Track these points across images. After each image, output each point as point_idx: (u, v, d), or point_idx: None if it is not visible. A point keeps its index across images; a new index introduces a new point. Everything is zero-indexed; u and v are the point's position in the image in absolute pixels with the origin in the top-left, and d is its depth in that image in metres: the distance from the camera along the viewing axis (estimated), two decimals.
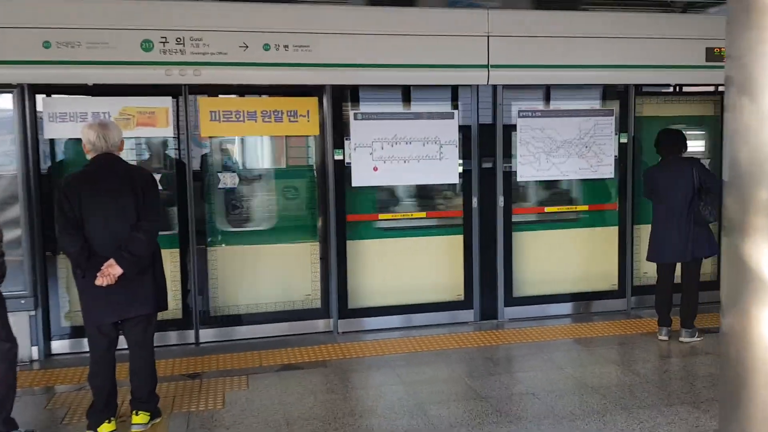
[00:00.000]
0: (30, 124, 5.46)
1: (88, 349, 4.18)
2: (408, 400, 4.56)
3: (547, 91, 6.48)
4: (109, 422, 4.05)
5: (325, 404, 4.52)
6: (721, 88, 6.85)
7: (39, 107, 5.50)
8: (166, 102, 5.72)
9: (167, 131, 5.75)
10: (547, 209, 6.68)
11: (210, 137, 5.92)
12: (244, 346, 5.79)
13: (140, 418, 4.16)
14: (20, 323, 5.25)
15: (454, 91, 6.30)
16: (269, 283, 6.13)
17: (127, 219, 4.00)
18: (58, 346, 5.68)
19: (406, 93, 6.23)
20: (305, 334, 6.08)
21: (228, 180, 5.97)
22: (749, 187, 2.58)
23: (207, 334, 5.94)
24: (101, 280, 3.87)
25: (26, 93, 5.42)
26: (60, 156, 5.68)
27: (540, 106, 6.47)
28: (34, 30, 5.32)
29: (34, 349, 5.56)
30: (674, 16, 6.70)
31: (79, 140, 4.31)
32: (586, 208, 6.72)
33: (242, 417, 4.34)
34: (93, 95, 5.60)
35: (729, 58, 2.72)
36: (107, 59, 5.46)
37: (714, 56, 6.56)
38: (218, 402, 4.59)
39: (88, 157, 4.14)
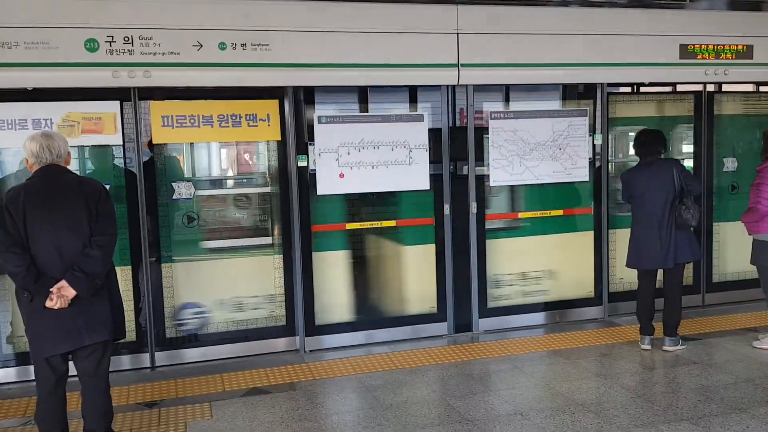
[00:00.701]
0: None
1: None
2: (389, 427, 4.20)
3: (520, 91, 6.22)
4: None
5: None
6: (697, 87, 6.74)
7: None
8: (114, 107, 5.27)
9: (115, 138, 5.29)
10: (521, 215, 6.41)
11: (163, 144, 5.47)
12: (204, 369, 5.36)
13: None
14: None
15: (423, 92, 5.98)
16: (229, 299, 5.72)
17: (80, 235, 3.59)
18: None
19: (373, 94, 5.89)
20: (270, 354, 5.68)
21: (183, 190, 5.53)
22: None
23: (163, 357, 5.50)
24: (52, 303, 3.45)
25: None
26: None
27: (513, 107, 6.21)
28: None
29: None
30: (647, 12, 6.48)
31: (18, 150, 3.87)
32: (560, 212, 6.46)
33: None
34: (33, 101, 5.12)
35: None
36: (48, 61, 4.98)
37: (687, 53, 6.41)
38: None
39: (32, 171, 3.71)
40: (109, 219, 3.73)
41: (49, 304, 3.48)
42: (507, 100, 6.26)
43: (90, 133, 5.24)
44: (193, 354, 5.58)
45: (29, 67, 4.95)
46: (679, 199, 5.43)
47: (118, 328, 3.81)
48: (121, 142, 5.31)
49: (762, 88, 7.01)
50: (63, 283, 3.51)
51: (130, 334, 5.32)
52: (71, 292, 3.51)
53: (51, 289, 3.50)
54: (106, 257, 3.66)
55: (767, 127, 6.28)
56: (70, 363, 3.74)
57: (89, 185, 3.76)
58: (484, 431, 4.07)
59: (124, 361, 5.41)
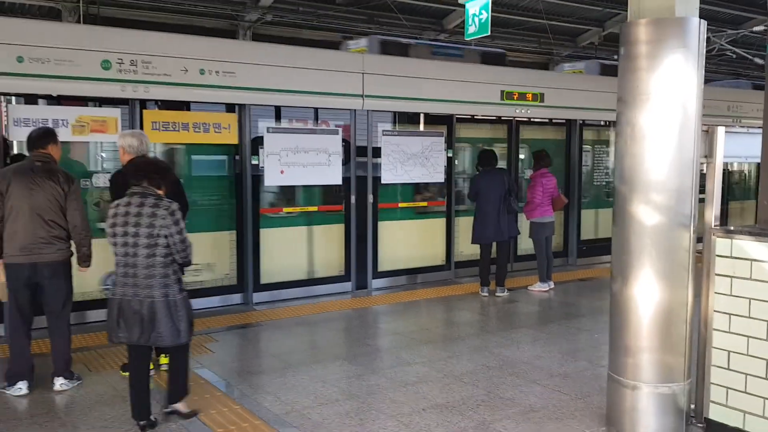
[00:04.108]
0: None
1: None
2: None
3: (402, 116, 8.68)
4: None
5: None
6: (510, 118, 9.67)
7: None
8: (116, 113, 6.77)
9: (115, 137, 6.77)
10: (400, 205, 8.87)
11: (154, 143, 7.05)
12: None
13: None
14: None
15: (339, 113, 8.16)
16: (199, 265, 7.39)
17: None
18: None
19: (306, 113, 7.96)
20: (226, 306, 7.49)
21: None
22: None
23: None
24: None
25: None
26: None
27: (397, 127, 8.64)
28: (9, 46, 6.10)
29: None
30: (481, 66, 9.30)
31: None
32: (425, 204, 9.03)
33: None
34: (53, 105, 6.48)
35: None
36: (72, 74, 6.40)
37: (506, 95, 9.29)
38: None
39: (125, 159, 5.31)
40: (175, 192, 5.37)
41: None
42: (393, 122, 8.66)
43: (97, 132, 6.70)
44: None
45: (57, 78, 6.35)
46: (507, 194, 8.20)
47: None
48: None
49: (555, 121, 10.20)
50: None
51: None
52: None
53: None
54: None
55: (547, 147, 9.33)
56: None
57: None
58: (374, 345, 6.31)
59: None
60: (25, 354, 4.85)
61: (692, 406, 4.26)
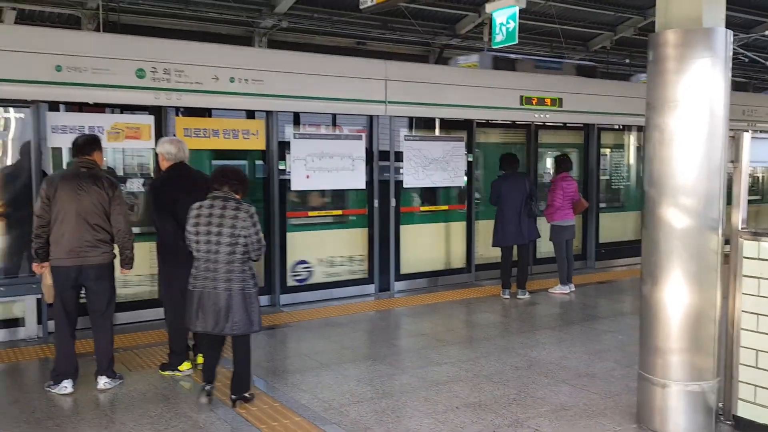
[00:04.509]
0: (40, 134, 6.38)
1: None
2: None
3: (425, 122, 8.84)
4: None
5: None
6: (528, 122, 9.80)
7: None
8: (150, 120, 6.95)
9: (149, 144, 6.97)
10: (421, 208, 9.02)
11: None
12: None
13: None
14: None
15: (363, 119, 8.32)
16: None
17: None
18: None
19: (331, 119, 8.13)
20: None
21: None
22: None
23: None
24: None
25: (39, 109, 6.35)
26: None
27: (419, 132, 8.80)
28: (49, 56, 6.30)
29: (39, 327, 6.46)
30: (501, 72, 9.45)
31: None
32: (446, 207, 9.18)
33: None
34: (90, 112, 6.67)
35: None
36: (108, 83, 6.59)
37: (525, 101, 9.43)
38: None
39: (164, 165, 5.49)
40: None
41: None
42: (414, 127, 8.81)
43: (131, 138, 6.89)
44: None
45: (94, 87, 6.54)
46: (528, 198, 8.34)
47: None
48: (154, 147, 6.99)
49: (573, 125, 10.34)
50: None
51: None
52: None
53: None
54: None
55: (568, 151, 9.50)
56: None
57: (204, 176, 5.62)
58: (401, 346, 6.48)
59: None
60: (70, 354, 5.02)
61: (720, 405, 4.39)
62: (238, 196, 4.67)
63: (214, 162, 7.56)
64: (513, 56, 9.66)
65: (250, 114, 7.59)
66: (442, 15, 13.97)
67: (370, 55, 13.14)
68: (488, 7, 6.86)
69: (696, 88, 4.08)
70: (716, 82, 4.08)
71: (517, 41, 7.02)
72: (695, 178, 4.14)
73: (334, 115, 8.15)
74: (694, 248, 4.18)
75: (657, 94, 4.22)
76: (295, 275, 7.97)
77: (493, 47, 7.43)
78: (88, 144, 5.12)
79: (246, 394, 4.77)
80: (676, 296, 4.20)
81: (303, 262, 8.02)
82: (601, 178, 10.71)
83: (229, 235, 4.51)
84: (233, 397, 4.72)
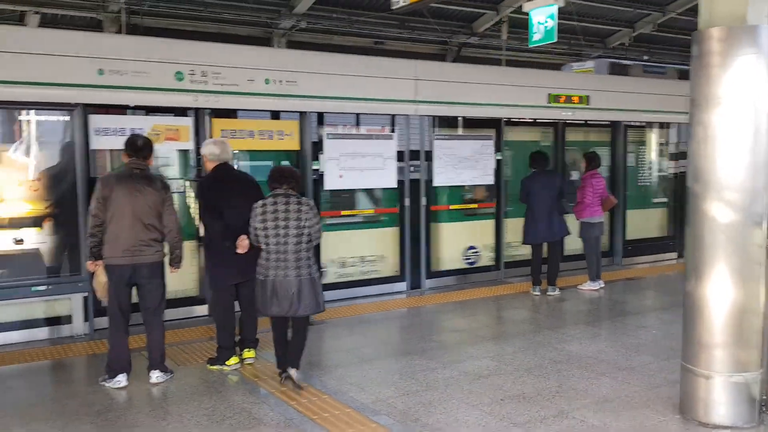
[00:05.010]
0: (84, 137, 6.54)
1: None
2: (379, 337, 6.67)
3: (454, 120, 8.94)
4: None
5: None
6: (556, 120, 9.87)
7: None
8: (188, 121, 7.10)
9: (188, 145, 7.12)
10: (451, 207, 9.12)
11: None
12: None
13: (251, 353, 5.73)
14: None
15: (394, 118, 8.43)
16: None
17: (246, 209, 5.44)
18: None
19: (362, 119, 8.24)
20: None
21: None
22: None
23: None
24: (240, 249, 5.40)
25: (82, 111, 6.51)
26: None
27: (449, 131, 8.90)
28: (92, 59, 6.45)
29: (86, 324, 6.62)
30: (528, 70, 9.54)
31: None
32: (476, 206, 9.28)
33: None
34: (129, 114, 6.83)
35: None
36: (148, 86, 6.74)
37: (553, 98, 9.51)
38: None
39: (209, 167, 5.62)
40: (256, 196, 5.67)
41: (239, 250, 5.43)
42: (445, 126, 8.92)
43: (170, 140, 7.04)
44: None
45: (134, 90, 6.69)
46: (558, 195, 8.41)
47: None
48: (193, 148, 7.14)
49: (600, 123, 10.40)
50: (243, 236, 5.41)
51: None
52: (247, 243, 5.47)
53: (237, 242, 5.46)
54: None
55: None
56: None
57: (248, 176, 5.76)
58: (439, 341, 6.63)
59: None
60: (124, 349, 5.17)
61: (764, 396, 4.46)
62: (295, 193, 5.13)
63: (249, 163, 7.75)
64: (626, 62, 9.92)
65: (285, 115, 7.72)
66: (460, 13, 14.08)
67: (388, 54, 13.26)
68: (526, 6, 6.95)
69: (740, 85, 4.16)
70: (760, 78, 4.16)
71: (555, 39, 7.09)
72: (739, 174, 4.22)
73: (363, 116, 8.25)
74: (738, 243, 4.25)
75: (701, 90, 4.31)
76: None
77: (530, 45, 7.52)
78: (147, 146, 5.28)
79: (294, 375, 5.11)
80: (720, 291, 4.28)
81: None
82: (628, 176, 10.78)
83: (295, 227, 4.98)
84: (287, 369, 5.13)
